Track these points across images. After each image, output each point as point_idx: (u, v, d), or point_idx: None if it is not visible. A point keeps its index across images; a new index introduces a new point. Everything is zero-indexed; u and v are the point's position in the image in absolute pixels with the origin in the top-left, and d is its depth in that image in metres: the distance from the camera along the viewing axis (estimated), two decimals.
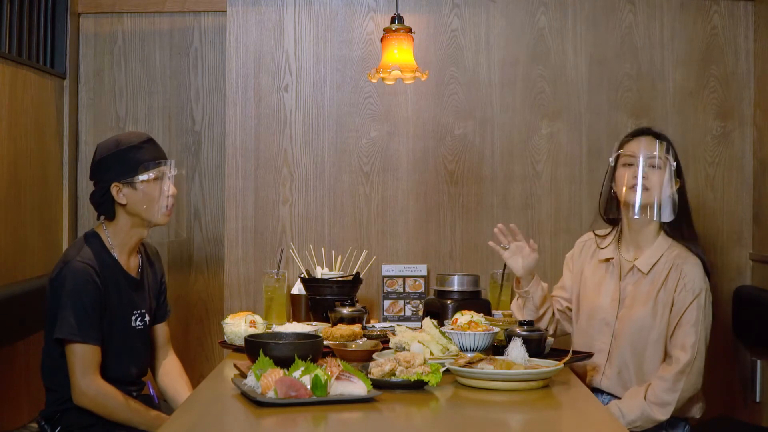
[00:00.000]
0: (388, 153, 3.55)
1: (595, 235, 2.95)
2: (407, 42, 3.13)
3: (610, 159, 2.84)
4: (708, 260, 3.52)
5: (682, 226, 2.79)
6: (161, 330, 2.86)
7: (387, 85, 3.45)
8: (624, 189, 2.74)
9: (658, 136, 2.80)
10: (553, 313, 2.91)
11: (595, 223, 2.96)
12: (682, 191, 2.77)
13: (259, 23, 3.54)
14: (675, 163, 2.74)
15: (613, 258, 2.84)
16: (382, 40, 3.16)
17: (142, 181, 2.62)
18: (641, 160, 2.71)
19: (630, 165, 2.75)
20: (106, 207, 2.65)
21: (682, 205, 2.76)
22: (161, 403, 2.80)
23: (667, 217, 2.72)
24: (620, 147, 2.82)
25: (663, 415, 2.64)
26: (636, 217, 2.73)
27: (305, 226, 3.54)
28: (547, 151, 3.56)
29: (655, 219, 2.74)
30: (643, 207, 2.70)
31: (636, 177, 2.71)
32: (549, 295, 2.91)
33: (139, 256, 2.77)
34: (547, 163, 3.56)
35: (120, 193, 2.62)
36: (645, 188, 2.70)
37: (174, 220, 3.83)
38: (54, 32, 3.64)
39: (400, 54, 3.11)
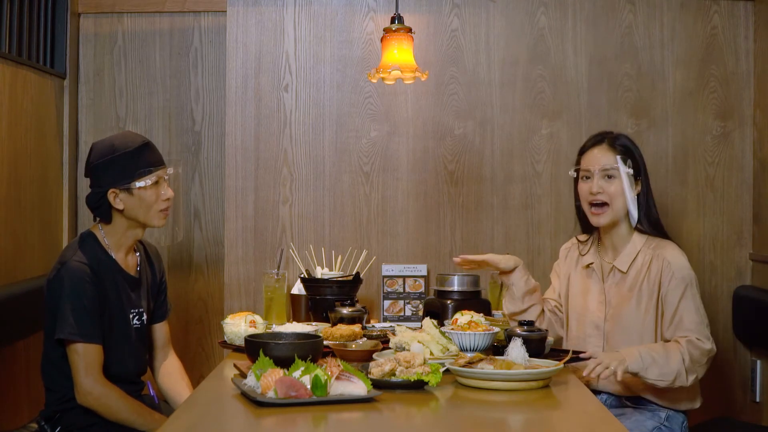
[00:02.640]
0: (388, 153, 3.55)
1: (578, 240, 3.00)
2: (407, 42, 3.13)
3: (571, 172, 2.91)
4: (708, 260, 3.56)
5: (656, 224, 2.83)
6: (161, 330, 2.86)
7: (387, 85, 3.45)
8: (585, 204, 2.84)
9: (614, 140, 2.83)
10: (542, 311, 2.93)
11: (576, 228, 3.02)
12: (646, 190, 2.82)
13: (259, 23, 3.54)
14: (631, 170, 2.78)
15: (593, 263, 2.89)
16: (382, 40, 3.16)
17: (139, 188, 2.61)
18: (596, 173, 2.79)
19: (587, 179, 2.82)
20: (102, 211, 2.65)
21: (649, 203, 2.82)
22: (161, 404, 2.80)
23: (633, 221, 2.80)
24: (578, 161, 2.89)
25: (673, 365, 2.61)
26: (583, 229, 2.93)
27: (305, 226, 3.54)
28: (547, 151, 3.56)
29: (621, 226, 2.82)
30: (606, 219, 2.79)
31: (593, 193, 2.79)
32: (535, 290, 2.91)
33: (137, 254, 2.77)
34: (547, 163, 3.56)
35: (117, 198, 2.61)
36: (603, 202, 2.78)
37: (172, 223, 3.82)
38: (54, 32, 3.64)
39: (400, 54, 3.11)
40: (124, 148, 2.62)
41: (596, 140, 2.87)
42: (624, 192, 2.76)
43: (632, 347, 2.65)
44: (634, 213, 2.78)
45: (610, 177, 2.78)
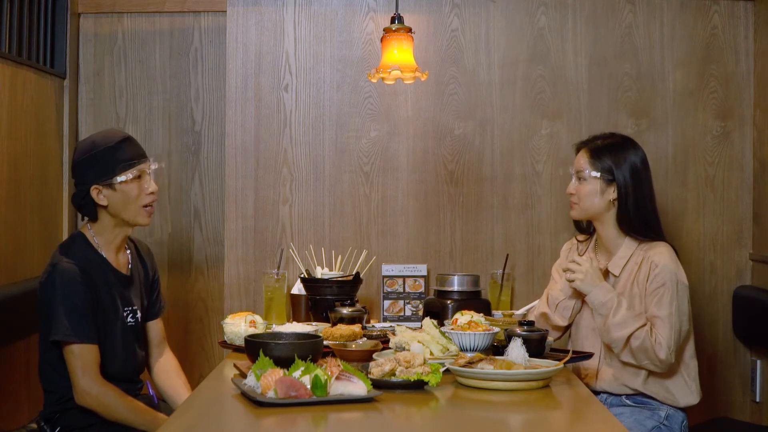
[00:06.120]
0: (388, 153, 3.55)
1: (577, 241, 3.04)
2: (407, 42, 3.13)
3: (571, 170, 2.96)
4: (708, 260, 3.56)
5: (642, 229, 2.82)
6: (156, 327, 2.86)
7: (387, 85, 3.45)
8: None
9: (597, 145, 2.86)
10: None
11: (575, 228, 3.06)
12: (636, 198, 2.80)
13: (259, 23, 3.54)
14: (598, 174, 2.81)
15: None
16: (382, 40, 3.16)
17: (121, 182, 2.61)
18: (573, 174, 2.89)
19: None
20: (88, 209, 2.65)
21: (629, 207, 2.80)
22: (160, 404, 2.80)
23: (601, 224, 2.87)
24: None
25: (616, 331, 2.68)
26: (576, 227, 3.02)
27: (305, 226, 3.54)
28: (547, 151, 3.56)
29: (611, 230, 2.85)
30: (574, 214, 2.91)
31: (568, 192, 2.91)
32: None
33: (128, 252, 2.77)
34: (547, 163, 3.56)
35: (100, 194, 2.61)
36: (574, 202, 2.88)
37: (169, 219, 3.83)
38: (54, 32, 3.64)
39: (400, 54, 3.11)
40: (105, 143, 2.62)
41: (584, 143, 2.92)
42: (591, 194, 2.82)
43: (611, 289, 2.74)
44: (603, 216, 2.85)
45: (582, 179, 2.85)
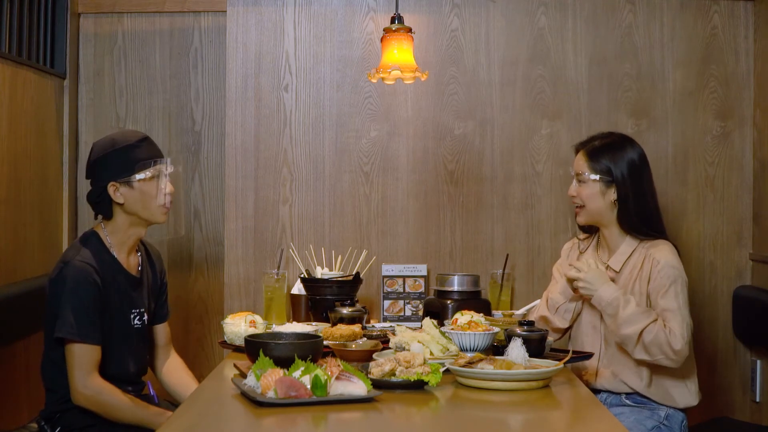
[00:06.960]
0: (388, 153, 3.55)
1: (578, 239, 3.04)
2: (407, 42, 3.13)
3: (571, 171, 2.96)
4: (708, 260, 3.56)
5: (643, 228, 2.82)
6: (162, 330, 2.86)
7: (387, 85, 3.45)
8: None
9: (594, 146, 2.86)
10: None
11: (575, 227, 3.08)
12: (636, 196, 2.81)
13: (259, 23, 3.54)
14: (597, 176, 2.81)
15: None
16: (382, 40, 3.16)
17: (139, 180, 2.62)
18: (573, 176, 2.89)
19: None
20: (103, 206, 2.65)
21: (630, 207, 2.80)
22: (161, 403, 2.79)
23: (605, 225, 2.87)
24: None
25: (626, 327, 2.66)
26: (579, 227, 3.01)
27: (305, 226, 3.54)
28: (547, 151, 3.56)
29: (612, 228, 2.85)
30: (581, 219, 2.90)
31: (570, 195, 2.90)
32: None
33: (139, 255, 2.77)
34: (547, 163, 3.56)
35: (117, 192, 2.62)
36: (577, 205, 2.88)
37: (172, 218, 3.83)
38: (54, 32, 3.64)
39: (400, 54, 3.11)
40: (125, 141, 2.64)
41: (582, 144, 2.92)
42: (593, 196, 2.82)
43: (617, 288, 2.72)
44: (605, 217, 2.85)
45: (582, 181, 2.85)
